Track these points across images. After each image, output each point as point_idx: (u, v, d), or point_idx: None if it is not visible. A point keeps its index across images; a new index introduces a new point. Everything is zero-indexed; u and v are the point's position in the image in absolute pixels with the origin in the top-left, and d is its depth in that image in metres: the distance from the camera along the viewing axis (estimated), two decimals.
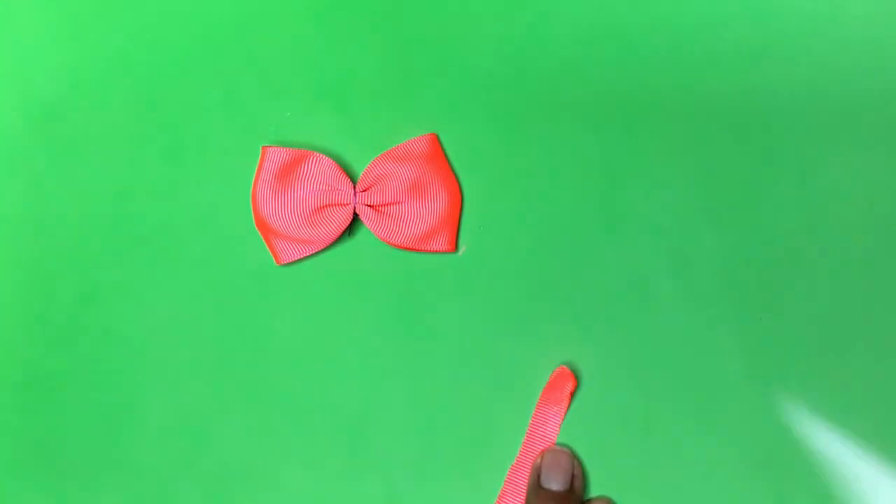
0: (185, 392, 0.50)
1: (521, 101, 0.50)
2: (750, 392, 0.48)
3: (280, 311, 0.50)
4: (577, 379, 0.48)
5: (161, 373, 0.50)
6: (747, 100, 0.50)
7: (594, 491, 0.48)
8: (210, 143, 0.51)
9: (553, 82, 0.50)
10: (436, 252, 0.50)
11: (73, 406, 0.50)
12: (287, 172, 0.49)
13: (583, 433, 0.48)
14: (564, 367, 0.48)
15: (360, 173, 0.50)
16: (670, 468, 0.48)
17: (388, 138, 0.50)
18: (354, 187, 0.49)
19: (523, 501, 0.47)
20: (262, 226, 0.50)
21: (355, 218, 0.49)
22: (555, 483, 0.46)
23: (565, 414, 0.48)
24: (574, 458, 0.47)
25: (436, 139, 0.50)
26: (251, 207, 0.50)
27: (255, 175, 0.50)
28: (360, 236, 0.50)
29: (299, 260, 0.50)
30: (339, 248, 0.50)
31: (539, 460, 0.47)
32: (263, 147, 0.49)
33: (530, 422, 0.49)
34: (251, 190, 0.50)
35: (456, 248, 0.50)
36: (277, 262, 0.50)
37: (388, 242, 0.49)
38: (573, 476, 0.46)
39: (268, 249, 0.50)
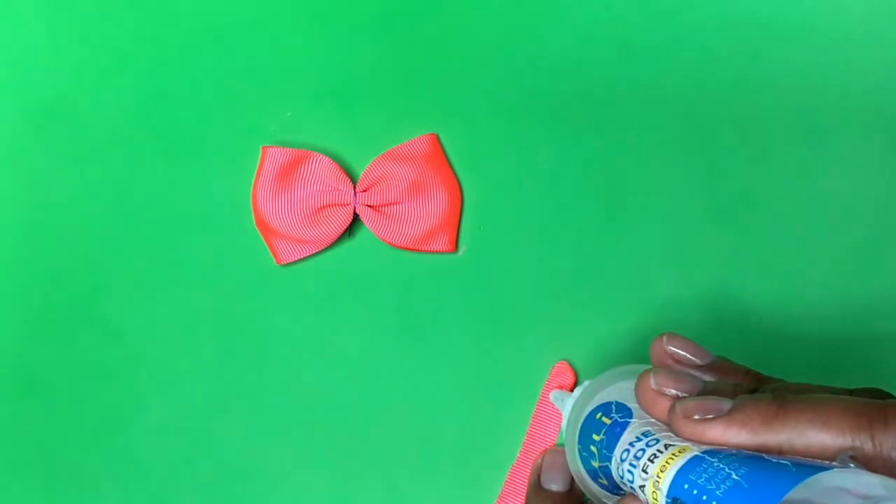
0: (185, 392, 0.50)
1: (522, 101, 0.50)
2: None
3: (280, 311, 0.50)
4: (576, 377, 0.48)
5: (161, 373, 0.50)
6: (747, 100, 0.50)
7: None
8: (210, 143, 0.51)
9: (553, 82, 0.50)
10: (436, 252, 0.50)
11: (73, 406, 0.50)
12: (287, 172, 0.49)
13: None
14: (564, 362, 0.48)
15: (361, 173, 0.50)
16: None
17: (388, 138, 0.50)
18: (354, 187, 0.49)
19: (523, 502, 0.47)
20: (262, 226, 0.50)
21: (355, 218, 0.49)
22: (555, 483, 0.46)
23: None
24: None
25: (436, 139, 0.50)
26: (251, 207, 0.50)
27: (255, 175, 0.50)
28: (360, 236, 0.50)
29: (299, 260, 0.50)
30: (339, 248, 0.50)
31: (539, 460, 0.47)
32: (263, 147, 0.49)
33: (530, 422, 0.49)
34: (251, 190, 0.50)
35: (456, 248, 0.50)
36: (277, 262, 0.50)
37: (388, 242, 0.49)
38: (573, 477, 0.46)
39: (268, 249, 0.50)
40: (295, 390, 0.49)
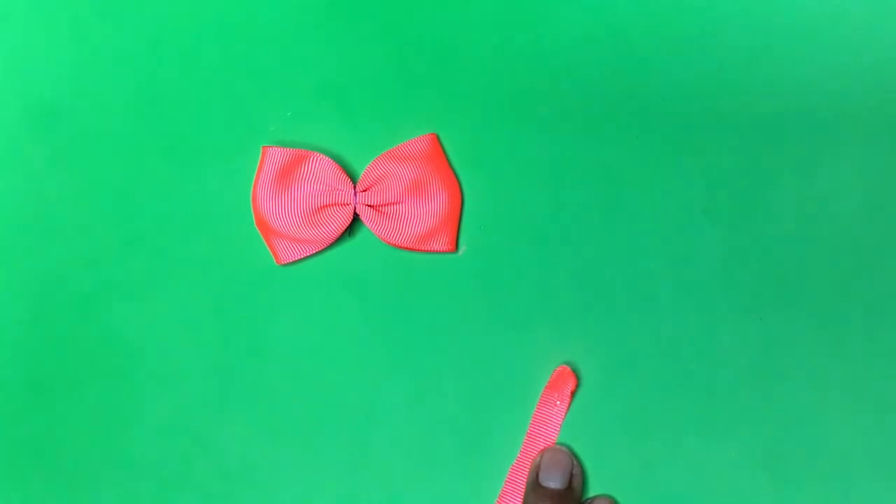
0: (185, 392, 0.50)
1: (522, 101, 0.50)
2: (750, 392, 0.48)
3: (280, 311, 0.50)
4: (577, 379, 0.48)
5: (161, 373, 0.50)
6: (747, 100, 0.50)
7: (593, 490, 0.48)
8: (210, 143, 0.51)
9: (553, 82, 0.50)
10: (436, 252, 0.50)
11: (73, 406, 0.50)
12: (287, 172, 0.49)
13: (583, 433, 0.48)
14: (565, 366, 0.48)
15: (361, 173, 0.50)
16: (670, 468, 0.48)
17: (388, 138, 0.50)
18: (354, 187, 0.49)
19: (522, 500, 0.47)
20: (262, 226, 0.50)
21: (355, 218, 0.49)
22: (553, 481, 0.46)
23: (565, 414, 0.48)
24: (573, 456, 0.47)
25: (436, 139, 0.50)
26: (251, 207, 0.50)
27: (255, 175, 0.50)
28: (360, 236, 0.50)
29: (299, 260, 0.50)
30: (339, 248, 0.50)
31: (538, 459, 0.47)
32: (263, 147, 0.49)
33: (530, 422, 0.49)
34: (251, 190, 0.50)
35: (456, 248, 0.50)
36: (277, 262, 0.50)
37: (388, 242, 0.49)
38: (572, 475, 0.46)
39: (268, 249, 0.50)
40: (295, 390, 0.49)
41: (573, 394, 0.48)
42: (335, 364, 0.50)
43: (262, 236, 0.50)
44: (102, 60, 0.51)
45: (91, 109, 0.51)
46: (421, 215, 0.49)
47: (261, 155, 0.49)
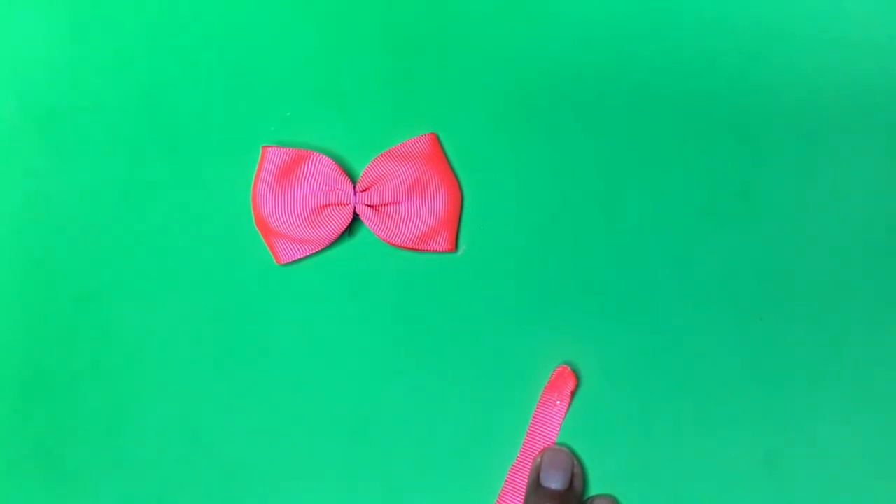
0: (185, 392, 0.50)
1: (522, 100, 0.50)
2: (750, 392, 0.48)
3: (280, 311, 0.50)
4: (577, 379, 0.48)
5: (161, 373, 0.50)
6: (747, 100, 0.50)
7: (594, 490, 0.48)
8: (210, 143, 0.51)
9: (553, 82, 0.50)
10: (436, 252, 0.50)
11: (73, 406, 0.50)
12: (287, 172, 0.49)
13: (583, 433, 0.48)
14: (565, 366, 0.48)
15: (360, 173, 0.50)
16: (670, 468, 0.48)
17: (388, 138, 0.50)
18: (354, 187, 0.49)
19: (523, 501, 0.47)
20: (262, 226, 0.50)
21: (355, 218, 0.49)
22: (554, 482, 0.46)
23: (565, 414, 0.48)
24: (573, 456, 0.47)
25: (436, 139, 0.50)
26: (251, 207, 0.50)
27: (255, 175, 0.50)
28: (360, 236, 0.50)
29: (299, 260, 0.50)
30: (339, 248, 0.50)
31: (538, 459, 0.47)
32: (263, 147, 0.49)
33: (530, 422, 0.49)
34: (251, 190, 0.50)
35: (456, 248, 0.50)
36: (277, 262, 0.50)
37: (388, 242, 0.49)
38: (573, 475, 0.46)
39: (268, 249, 0.50)
40: (295, 390, 0.49)
41: (573, 394, 0.48)
42: (335, 364, 0.50)
43: (262, 236, 0.50)
44: (102, 60, 0.51)
45: (91, 109, 0.51)
46: (421, 215, 0.49)
47: (261, 155, 0.49)
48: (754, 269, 0.49)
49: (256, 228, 0.50)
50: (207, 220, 0.50)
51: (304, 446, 0.49)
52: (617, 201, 0.50)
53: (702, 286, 0.49)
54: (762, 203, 0.49)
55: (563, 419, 0.48)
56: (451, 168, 0.50)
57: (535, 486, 0.46)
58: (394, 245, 0.49)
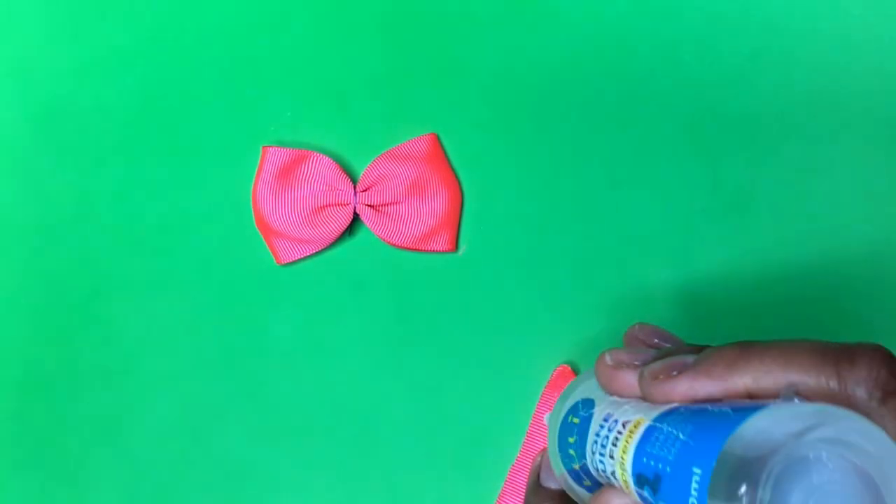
0: (185, 392, 0.50)
1: (522, 101, 0.50)
2: None
3: (280, 311, 0.50)
4: None
5: (161, 373, 0.50)
6: (747, 99, 0.50)
7: None
8: (210, 143, 0.51)
9: (553, 82, 0.50)
10: (436, 252, 0.50)
11: (73, 406, 0.50)
12: (287, 172, 0.49)
13: None
14: (565, 366, 0.48)
15: (361, 173, 0.50)
16: None
17: (388, 138, 0.50)
18: (354, 187, 0.49)
19: (523, 501, 0.47)
20: (262, 226, 0.50)
21: (355, 218, 0.49)
22: (554, 482, 0.46)
23: None
24: None
25: (436, 139, 0.50)
26: (251, 207, 0.50)
27: (255, 175, 0.50)
28: (360, 236, 0.50)
29: (299, 260, 0.50)
30: (339, 248, 0.50)
31: (538, 459, 0.47)
32: (263, 147, 0.49)
33: (530, 422, 0.49)
34: (251, 190, 0.50)
35: (456, 248, 0.50)
36: (277, 262, 0.50)
37: (388, 242, 0.49)
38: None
39: (268, 249, 0.50)
40: (295, 390, 0.49)
41: None
42: (335, 364, 0.50)
43: (262, 236, 0.50)
44: (102, 60, 0.51)
45: (91, 109, 0.51)
46: (421, 215, 0.49)
47: (261, 155, 0.49)
48: (754, 268, 0.49)
49: (256, 228, 0.50)
50: (207, 220, 0.50)
51: (305, 446, 0.49)
52: (617, 201, 0.50)
53: (702, 286, 0.49)
54: (762, 202, 0.49)
55: None
56: (451, 168, 0.50)
57: (535, 487, 0.46)
58: (394, 245, 0.49)
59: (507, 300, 0.49)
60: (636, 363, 0.31)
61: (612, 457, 0.30)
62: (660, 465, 0.27)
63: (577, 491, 0.36)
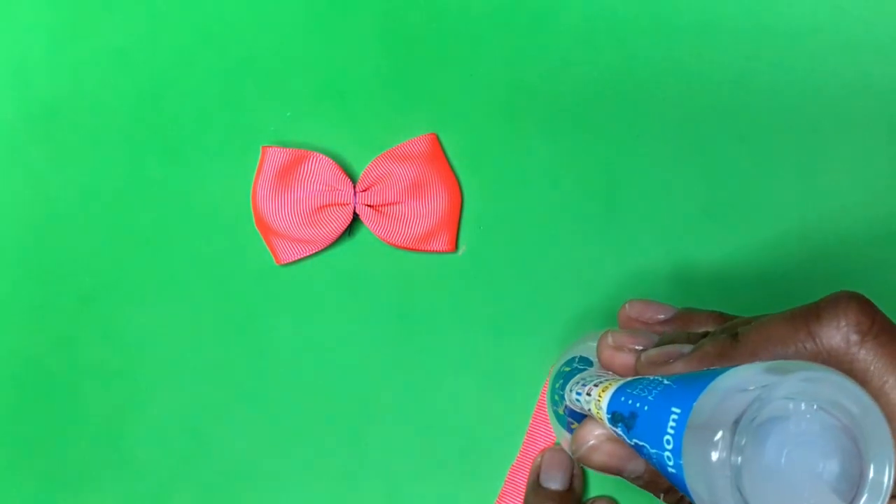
0: (185, 392, 0.50)
1: (522, 101, 0.50)
2: None
3: (280, 311, 0.50)
4: None
5: (161, 373, 0.50)
6: (746, 100, 0.50)
7: (594, 491, 0.48)
8: (210, 143, 0.51)
9: (553, 83, 0.50)
10: (436, 252, 0.50)
11: (73, 406, 0.50)
12: (287, 172, 0.49)
13: None
14: None
15: (360, 173, 0.50)
16: None
17: (388, 138, 0.50)
18: (354, 187, 0.49)
19: (523, 501, 0.47)
20: (262, 226, 0.50)
21: (355, 218, 0.49)
22: (554, 482, 0.46)
23: None
24: None
25: (436, 139, 0.50)
26: (251, 207, 0.50)
27: (255, 175, 0.50)
28: (360, 236, 0.50)
29: (299, 260, 0.50)
30: (339, 248, 0.50)
31: (538, 459, 0.47)
32: (263, 147, 0.49)
33: (530, 422, 0.49)
34: (251, 190, 0.50)
35: (456, 248, 0.50)
36: (277, 262, 0.50)
37: (388, 242, 0.49)
38: (572, 475, 0.46)
39: (268, 249, 0.50)
40: (295, 390, 0.49)
41: None
42: (335, 364, 0.50)
43: (262, 236, 0.50)
44: (102, 60, 0.51)
45: (91, 109, 0.51)
46: (421, 215, 0.49)
47: (261, 155, 0.49)
48: (754, 268, 0.49)
49: (256, 228, 0.50)
50: (207, 220, 0.50)
51: (304, 446, 0.49)
52: (617, 201, 0.50)
53: (702, 286, 0.49)
54: (762, 203, 0.49)
55: None
56: (451, 168, 0.50)
57: (535, 486, 0.46)
58: (394, 245, 0.49)
59: (507, 300, 0.49)
60: (637, 347, 0.33)
61: (589, 394, 0.32)
62: (637, 404, 0.28)
63: (563, 434, 0.39)
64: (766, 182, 0.49)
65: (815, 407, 0.24)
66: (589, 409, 0.32)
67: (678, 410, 0.25)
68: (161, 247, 0.50)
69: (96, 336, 0.50)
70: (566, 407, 0.36)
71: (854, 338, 0.26)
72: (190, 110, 0.51)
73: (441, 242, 0.49)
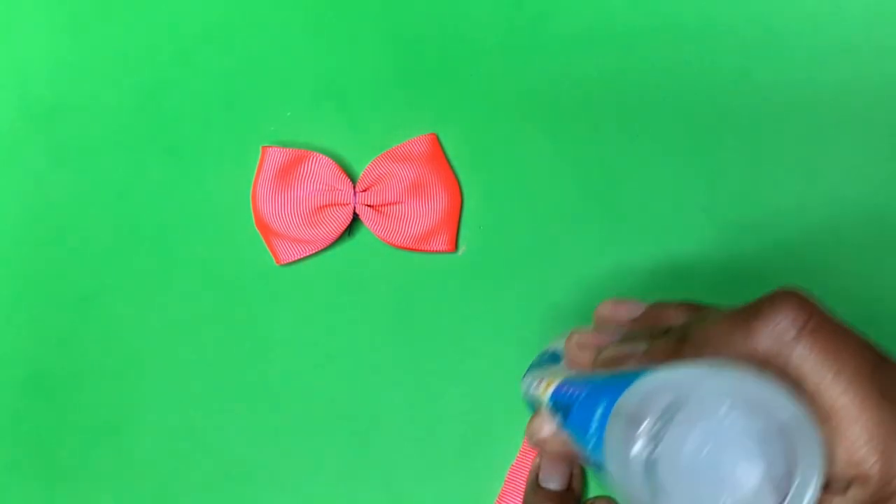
0: (185, 392, 0.50)
1: (522, 101, 0.50)
2: None
3: (280, 311, 0.50)
4: None
5: (161, 373, 0.50)
6: (747, 99, 0.50)
7: (593, 491, 0.48)
8: (210, 143, 0.51)
9: (553, 82, 0.50)
10: (436, 252, 0.50)
11: (73, 406, 0.50)
12: (287, 172, 0.49)
13: None
14: None
15: (360, 173, 0.50)
16: None
17: (388, 138, 0.50)
18: (354, 187, 0.49)
19: (523, 501, 0.47)
20: (262, 226, 0.50)
21: (355, 218, 0.49)
22: (553, 482, 0.46)
23: None
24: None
25: (436, 139, 0.50)
26: (251, 207, 0.50)
27: (255, 175, 0.50)
28: (360, 236, 0.50)
29: (299, 260, 0.50)
30: (339, 248, 0.50)
31: (537, 459, 0.47)
32: (263, 147, 0.49)
33: None
34: (251, 190, 0.50)
35: (456, 248, 0.50)
36: (277, 262, 0.50)
37: (388, 242, 0.49)
38: (572, 475, 0.46)
39: (268, 249, 0.50)
40: (295, 390, 0.49)
41: None
42: (335, 364, 0.50)
43: (262, 236, 0.50)
44: (102, 60, 0.51)
45: (91, 109, 0.51)
46: (421, 215, 0.49)
47: (261, 155, 0.49)
48: (754, 269, 0.49)
49: (256, 228, 0.50)
50: (207, 220, 0.50)
51: (304, 446, 0.49)
52: (617, 201, 0.50)
53: (702, 286, 0.49)
54: (762, 203, 0.49)
55: None
56: (451, 168, 0.50)
57: (535, 487, 0.46)
58: (394, 245, 0.49)
59: (507, 300, 0.49)
60: (598, 346, 0.34)
61: (538, 387, 0.35)
62: (574, 395, 0.30)
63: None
64: (766, 182, 0.49)
65: (737, 408, 0.24)
66: (540, 401, 0.35)
67: (604, 403, 0.26)
68: (161, 247, 0.50)
69: (96, 336, 0.50)
70: (527, 395, 0.39)
71: (790, 334, 0.26)
72: (190, 110, 0.51)
73: (441, 242, 0.49)
